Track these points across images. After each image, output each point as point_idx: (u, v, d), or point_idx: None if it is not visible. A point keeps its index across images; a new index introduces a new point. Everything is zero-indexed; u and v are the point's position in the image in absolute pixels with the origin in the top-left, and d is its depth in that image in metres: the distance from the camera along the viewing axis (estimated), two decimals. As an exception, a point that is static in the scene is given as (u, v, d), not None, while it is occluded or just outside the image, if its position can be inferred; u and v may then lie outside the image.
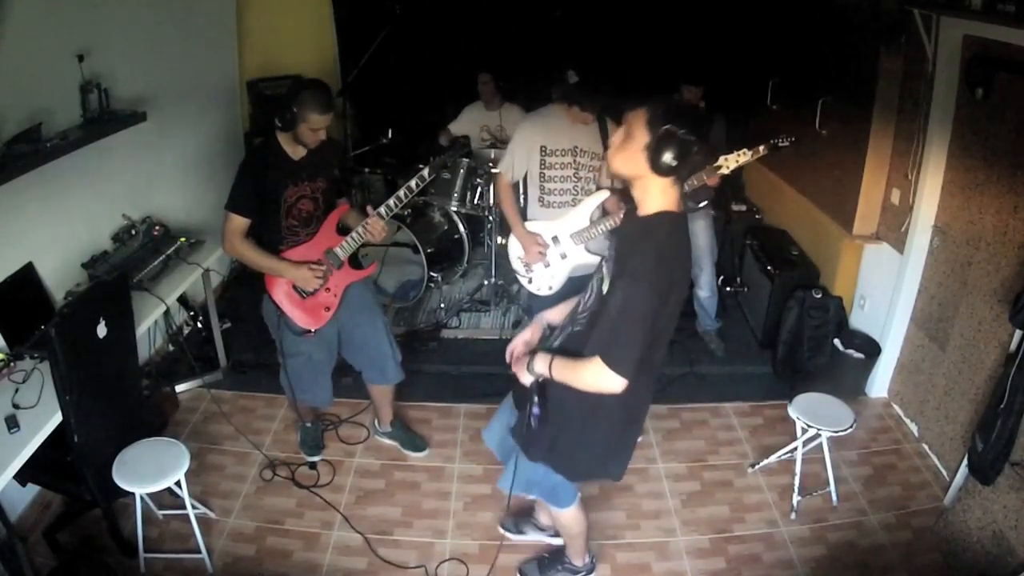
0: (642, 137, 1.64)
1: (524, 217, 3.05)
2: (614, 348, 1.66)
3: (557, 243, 3.00)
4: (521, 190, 3.14)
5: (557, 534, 2.61)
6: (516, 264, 3.13)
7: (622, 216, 1.93)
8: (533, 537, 2.71)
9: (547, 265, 3.03)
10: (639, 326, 1.65)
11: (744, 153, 3.01)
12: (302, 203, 2.56)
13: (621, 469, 2.10)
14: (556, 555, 2.56)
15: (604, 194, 2.94)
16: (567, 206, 2.95)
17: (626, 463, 2.11)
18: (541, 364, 1.83)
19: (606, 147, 2.87)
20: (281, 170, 2.49)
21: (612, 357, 1.66)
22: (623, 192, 2.85)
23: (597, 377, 1.69)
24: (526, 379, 1.89)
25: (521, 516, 2.74)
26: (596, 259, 2.97)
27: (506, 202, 3.02)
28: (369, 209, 2.61)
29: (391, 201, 2.59)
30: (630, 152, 1.66)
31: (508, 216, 3.03)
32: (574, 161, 2.89)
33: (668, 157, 1.61)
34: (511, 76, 4.70)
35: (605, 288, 1.80)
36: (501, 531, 2.74)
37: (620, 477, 2.12)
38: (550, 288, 3.08)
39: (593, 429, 1.95)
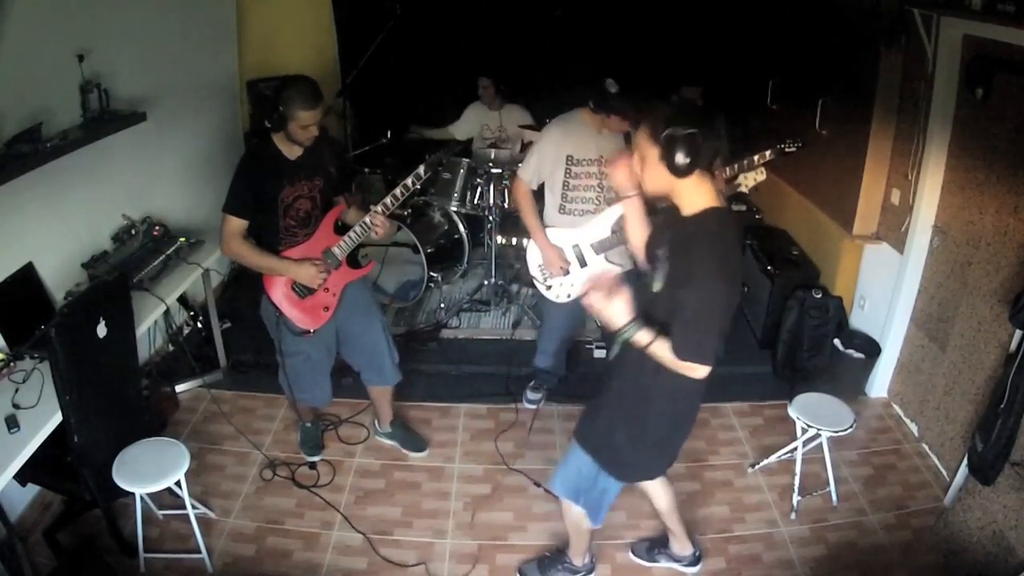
0: (652, 151, 1.71)
1: (542, 222, 3.04)
2: (695, 344, 1.75)
3: (577, 251, 2.99)
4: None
5: (691, 564, 2.60)
6: (535, 271, 3.12)
7: (661, 219, 1.96)
8: (666, 564, 2.63)
9: (566, 274, 3.03)
10: (715, 319, 1.75)
11: (761, 172, 3.06)
12: (300, 203, 2.55)
13: (664, 468, 2.23)
14: (556, 555, 2.56)
15: None
16: (588, 214, 2.94)
17: (670, 463, 2.21)
18: (646, 336, 1.81)
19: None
20: (278, 170, 2.49)
21: (695, 352, 1.75)
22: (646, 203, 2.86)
23: (684, 369, 1.78)
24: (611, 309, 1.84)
25: (656, 545, 2.66)
26: (616, 268, 2.98)
27: (526, 209, 2.99)
28: (371, 207, 2.60)
29: (387, 199, 2.59)
30: (651, 170, 1.75)
31: (529, 224, 3.01)
32: (599, 171, 2.88)
33: (680, 158, 1.67)
34: (511, 77, 4.70)
35: (657, 287, 1.87)
36: (632, 557, 2.68)
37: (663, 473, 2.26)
38: (568, 296, 3.08)
39: (646, 425, 2.01)
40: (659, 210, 1.96)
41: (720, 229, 1.75)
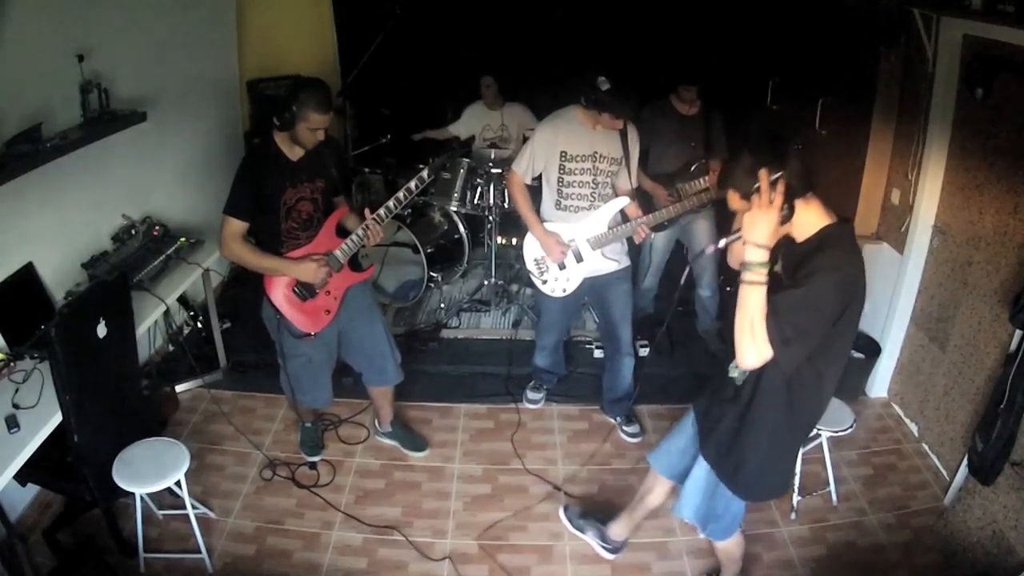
0: (746, 207, 1.67)
1: (538, 215, 3.04)
2: (780, 325, 1.62)
3: (574, 246, 3.00)
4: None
5: (615, 551, 2.63)
6: (531, 265, 3.13)
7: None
8: (586, 537, 2.69)
9: (562, 267, 3.04)
10: (813, 314, 1.63)
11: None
12: (301, 205, 2.54)
13: (766, 492, 2.15)
14: None
15: (624, 200, 2.94)
16: (583, 210, 2.95)
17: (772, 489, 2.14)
18: (757, 255, 1.66)
19: (626, 151, 2.89)
20: (279, 172, 2.48)
21: (774, 331, 1.62)
22: (643, 198, 2.85)
23: (748, 337, 1.64)
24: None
25: (588, 513, 2.73)
26: (612, 263, 2.98)
27: (522, 202, 3.00)
28: (367, 212, 2.61)
29: (390, 203, 2.59)
30: (771, 216, 1.63)
31: (525, 216, 3.01)
32: (593, 167, 2.88)
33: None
34: (513, 76, 4.70)
35: (776, 267, 1.77)
36: (561, 515, 2.75)
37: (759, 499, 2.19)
38: (564, 290, 3.09)
39: (780, 447, 1.95)
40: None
41: (837, 243, 1.67)
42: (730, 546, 2.28)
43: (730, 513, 2.11)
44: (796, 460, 2.10)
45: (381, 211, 2.59)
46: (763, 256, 1.64)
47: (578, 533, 2.71)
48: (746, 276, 1.65)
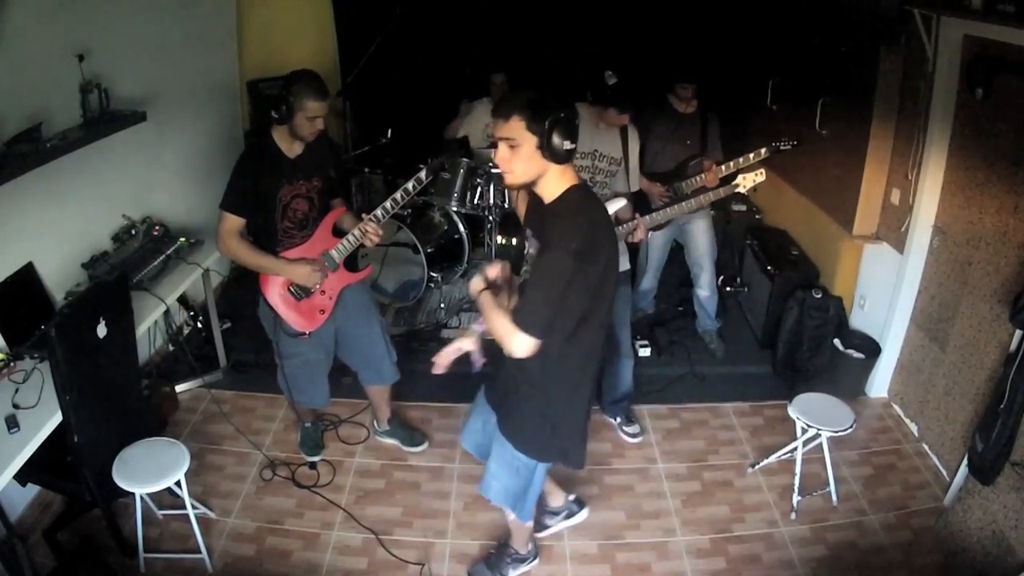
0: (530, 139, 1.68)
1: None
2: (524, 309, 1.74)
3: None
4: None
5: (571, 515, 2.73)
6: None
7: (528, 206, 1.99)
8: (559, 527, 2.74)
9: None
10: (553, 288, 1.70)
11: (760, 173, 3.06)
12: (297, 203, 2.54)
13: (579, 455, 2.14)
14: (501, 549, 2.58)
15: (620, 202, 2.93)
16: None
17: (583, 449, 2.16)
18: (479, 290, 1.89)
19: (625, 152, 2.89)
20: (276, 168, 2.48)
21: (521, 317, 1.73)
22: (636, 200, 2.85)
23: (508, 331, 1.75)
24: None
25: (539, 513, 2.73)
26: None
27: (522, 203, 2.99)
28: (363, 215, 2.61)
29: (387, 204, 2.59)
30: (525, 159, 1.71)
31: (521, 214, 3.01)
32: (592, 165, 2.87)
33: (563, 144, 1.68)
34: (517, 74, 4.68)
35: (526, 269, 1.91)
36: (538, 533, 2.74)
37: (580, 465, 2.18)
38: None
39: (545, 403, 2.01)
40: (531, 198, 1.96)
41: (581, 204, 1.76)
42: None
43: (534, 487, 2.19)
44: (571, 423, 2.09)
45: (378, 212, 2.59)
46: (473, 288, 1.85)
47: (549, 532, 2.74)
48: (472, 294, 1.89)
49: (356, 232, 2.62)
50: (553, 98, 1.69)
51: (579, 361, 1.94)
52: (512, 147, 1.71)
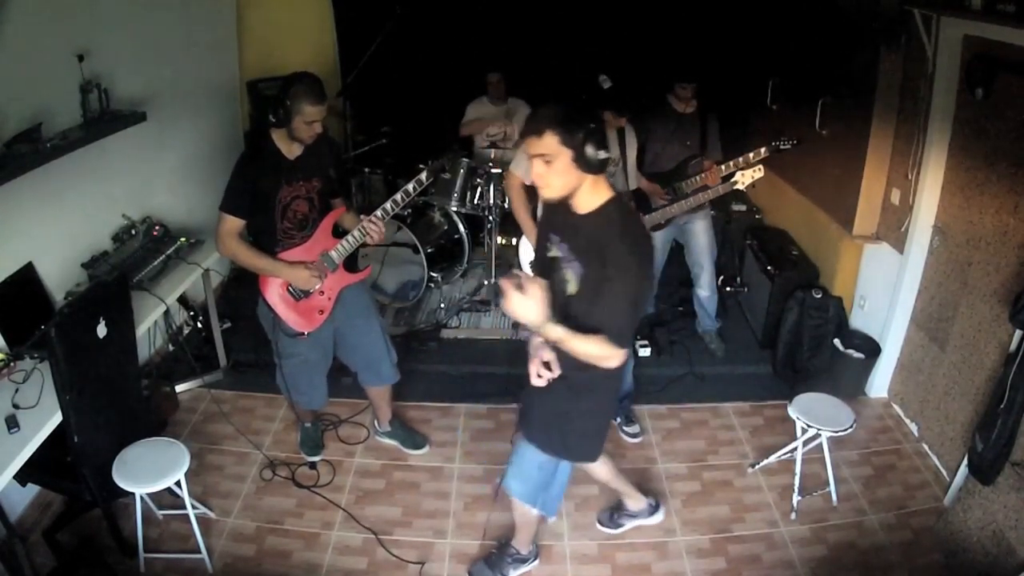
0: (564, 153, 1.71)
1: (535, 219, 3.04)
2: (612, 327, 1.79)
3: None
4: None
5: (652, 513, 2.77)
6: (527, 267, 3.13)
7: (551, 209, 2.03)
8: (631, 525, 2.78)
9: None
10: (636, 308, 1.83)
11: (759, 170, 3.05)
12: (297, 204, 2.54)
13: (599, 450, 2.27)
14: (502, 549, 2.59)
15: None
16: None
17: (602, 444, 2.27)
18: (555, 331, 1.81)
19: (623, 152, 2.89)
20: (276, 169, 2.48)
21: (615, 336, 1.79)
22: (639, 199, 2.86)
23: (605, 352, 1.80)
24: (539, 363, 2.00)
25: (617, 510, 2.80)
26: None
27: (518, 205, 3.00)
28: (362, 217, 2.60)
29: (387, 205, 2.59)
30: (560, 173, 1.74)
31: (521, 220, 3.01)
32: None
33: (597, 155, 1.72)
34: (516, 74, 4.69)
35: (572, 289, 1.89)
36: (600, 528, 2.78)
37: (595, 458, 2.32)
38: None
39: (589, 405, 2.09)
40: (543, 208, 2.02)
41: (624, 220, 1.82)
42: (530, 512, 2.37)
43: (559, 481, 2.25)
44: (609, 417, 2.25)
45: (378, 212, 2.60)
46: (548, 328, 1.77)
47: (621, 530, 2.77)
48: (551, 338, 1.82)
49: (356, 232, 2.62)
50: (581, 110, 1.73)
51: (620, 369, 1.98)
52: (547, 162, 1.73)
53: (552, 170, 1.74)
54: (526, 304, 1.73)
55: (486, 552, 2.64)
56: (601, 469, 2.54)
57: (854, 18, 3.46)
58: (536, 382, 2.02)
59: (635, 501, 2.73)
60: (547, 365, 2.01)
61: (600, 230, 1.79)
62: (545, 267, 2.03)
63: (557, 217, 1.94)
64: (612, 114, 2.74)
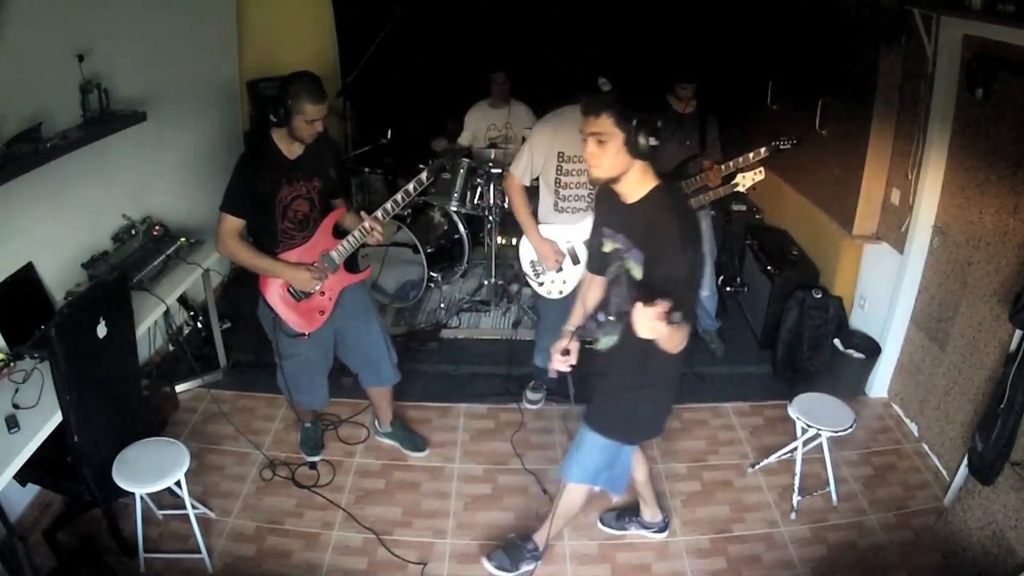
0: (617, 135, 1.81)
1: (536, 221, 3.04)
2: (685, 310, 1.79)
3: (570, 248, 3.00)
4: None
5: (660, 531, 2.75)
6: (527, 267, 3.13)
7: (602, 207, 2.12)
8: (634, 532, 2.76)
9: (559, 270, 3.03)
10: (688, 286, 1.86)
11: (759, 172, 3.05)
12: (297, 204, 2.54)
13: (662, 427, 2.37)
14: (524, 540, 2.58)
15: None
16: (581, 212, 2.95)
17: (665, 420, 2.35)
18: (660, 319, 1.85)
19: None
20: (276, 169, 2.48)
21: (688, 317, 1.80)
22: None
23: (684, 336, 1.85)
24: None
25: (625, 512, 2.79)
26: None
27: (519, 205, 3.00)
28: (363, 214, 2.60)
29: (388, 205, 2.59)
30: (611, 154, 1.83)
31: (521, 221, 3.01)
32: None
33: (647, 141, 1.80)
34: (516, 75, 4.69)
35: (638, 275, 1.95)
36: (600, 527, 2.78)
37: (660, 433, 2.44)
38: (561, 292, 3.09)
39: (655, 389, 2.14)
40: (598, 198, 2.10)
41: (673, 203, 1.90)
42: (580, 499, 2.39)
43: (623, 460, 2.27)
44: (672, 395, 2.26)
45: (378, 213, 2.59)
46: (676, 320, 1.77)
47: (623, 533, 2.76)
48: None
49: (357, 233, 2.61)
50: (641, 97, 1.84)
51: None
52: (600, 142, 1.82)
53: (604, 150, 1.82)
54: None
55: (506, 540, 2.64)
56: (640, 469, 2.56)
57: (854, 18, 3.46)
58: (556, 365, 2.15)
59: (652, 512, 2.72)
60: (566, 352, 2.13)
61: (651, 216, 1.87)
62: (601, 263, 2.14)
63: (609, 212, 2.03)
64: None
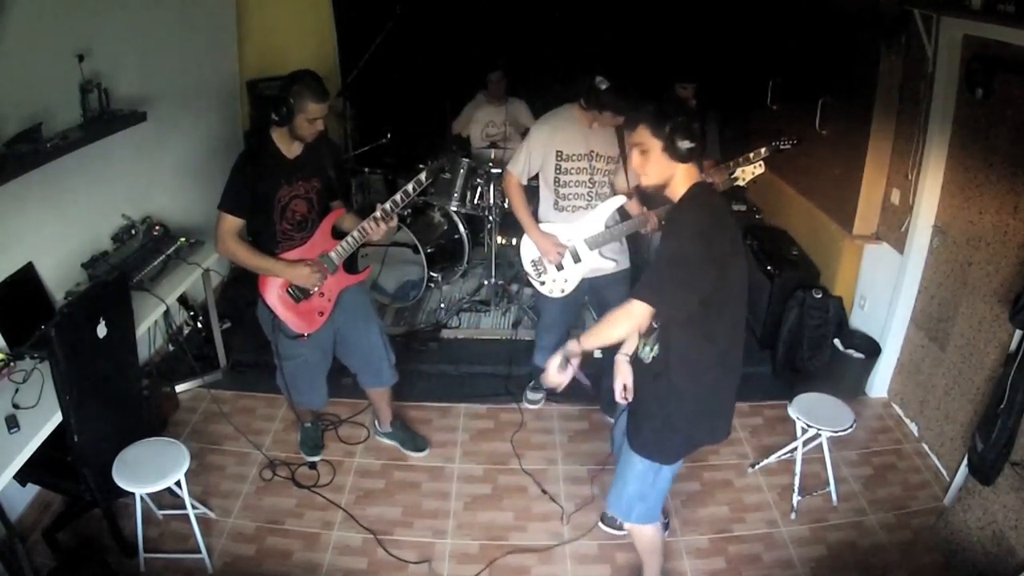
0: (655, 143, 1.85)
1: (536, 220, 3.04)
2: (643, 284, 1.86)
3: (571, 247, 3.00)
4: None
5: (665, 528, 2.67)
6: (528, 267, 3.13)
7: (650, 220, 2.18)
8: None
9: (560, 268, 3.04)
10: (679, 268, 1.82)
11: (760, 165, 3.03)
12: (296, 204, 2.54)
13: (712, 436, 2.19)
14: None
15: (620, 199, 2.93)
16: (581, 210, 2.95)
17: (727, 422, 2.19)
18: (572, 346, 1.97)
19: (623, 150, 2.89)
20: (275, 169, 2.47)
21: (640, 291, 1.84)
22: (643, 195, 2.89)
23: (624, 313, 1.86)
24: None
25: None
26: (611, 263, 2.98)
27: (518, 203, 3.00)
28: (380, 203, 2.59)
29: (387, 205, 2.59)
30: (654, 162, 1.88)
31: (521, 218, 3.01)
32: (589, 166, 2.88)
33: (685, 144, 1.83)
34: (515, 74, 4.70)
35: None
36: (603, 527, 2.76)
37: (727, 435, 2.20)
38: (562, 291, 3.08)
39: (704, 403, 2.06)
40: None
41: (704, 196, 1.89)
42: (650, 533, 2.31)
43: (656, 489, 2.18)
44: (730, 408, 2.17)
45: (377, 213, 2.59)
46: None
47: (623, 533, 2.72)
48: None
49: (356, 234, 2.61)
50: (673, 106, 1.89)
51: (716, 357, 1.99)
52: (643, 152, 1.88)
53: (648, 159, 1.88)
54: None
55: None
56: (651, 532, 2.47)
57: (854, 18, 3.46)
58: (618, 399, 2.22)
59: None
60: (624, 388, 2.18)
61: (683, 203, 1.91)
62: None
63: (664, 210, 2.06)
64: (610, 114, 2.74)
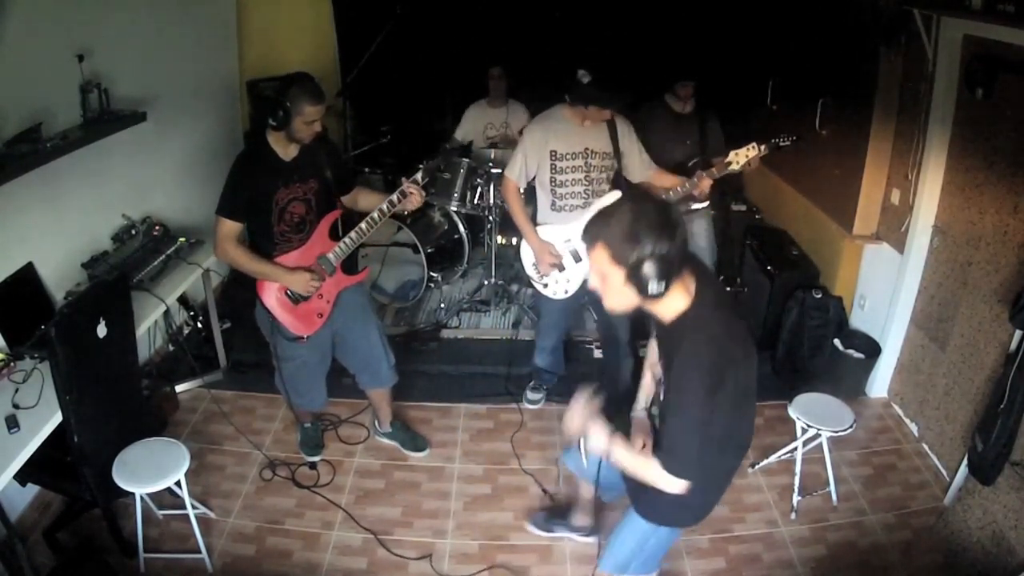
0: (617, 273, 1.48)
1: (535, 221, 3.04)
2: (671, 455, 1.64)
3: (571, 247, 3.00)
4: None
5: (590, 534, 2.66)
6: (530, 270, 3.13)
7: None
8: (560, 534, 2.73)
9: (561, 269, 3.04)
10: (692, 428, 1.60)
11: (753, 147, 2.94)
12: (293, 206, 2.53)
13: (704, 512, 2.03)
14: None
15: (616, 194, 2.92)
16: (579, 209, 2.95)
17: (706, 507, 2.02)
18: (604, 446, 1.73)
19: (616, 145, 2.89)
20: (272, 171, 2.47)
21: (671, 464, 1.63)
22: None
23: (658, 479, 1.66)
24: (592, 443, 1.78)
25: (553, 514, 2.78)
26: None
27: (516, 209, 3.00)
28: (406, 181, 2.60)
29: (384, 205, 2.59)
30: (616, 292, 1.51)
31: (520, 224, 3.01)
32: (585, 163, 2.88)
33: (653, 285, 1.45)
34: (516, 73, 4.69)
35: (662, 397, 1.78)
36: (529, 527, 2.77)
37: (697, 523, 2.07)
38: (566, 292, 3.09)
39: (706, 481, 1.83)
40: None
41: (700, 325, 1.57)
42: None
43: (649, 545, 2.01)
44: (726, 482, 2.06)
45: (375, 214, 2.60)
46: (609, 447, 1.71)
47: (549, 535, 2.74)
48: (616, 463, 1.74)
49: (353, 234, 2.62)
50: (649, 222, 1.43)
51: (714, 443, 1.74)
52: (601, 277, 1.52)
53: (607, 286, 1.51)
54: (570, 416, 1.75)
55: None
56: (586, 487, 2.51)
57: (854, 18, 3.46)
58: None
59: (583, 517, 2.67)
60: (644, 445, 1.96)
61: (676, 338, 1.58)
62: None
63: (658, 326, 1.72)
64: (595, 108, 2.74)
